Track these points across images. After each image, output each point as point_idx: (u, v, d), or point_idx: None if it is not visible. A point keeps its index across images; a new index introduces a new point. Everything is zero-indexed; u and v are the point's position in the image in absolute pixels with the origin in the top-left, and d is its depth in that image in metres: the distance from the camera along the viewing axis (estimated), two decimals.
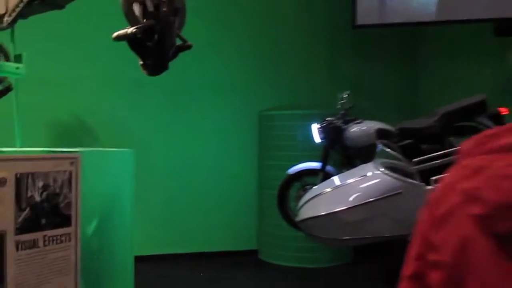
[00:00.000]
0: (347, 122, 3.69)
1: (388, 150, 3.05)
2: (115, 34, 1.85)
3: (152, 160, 3.93)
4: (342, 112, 3.72)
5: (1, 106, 3.41)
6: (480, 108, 3.33)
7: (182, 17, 1.99)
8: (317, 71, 4.39)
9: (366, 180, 2.95)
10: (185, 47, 2.12)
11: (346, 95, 3.74)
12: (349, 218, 2.84)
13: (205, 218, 4.06)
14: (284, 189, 3.65)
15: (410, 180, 2.87)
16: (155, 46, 1.87)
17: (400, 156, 3.32)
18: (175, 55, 2.00)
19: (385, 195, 2.81)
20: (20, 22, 2.18)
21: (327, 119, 3.67)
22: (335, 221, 2.87)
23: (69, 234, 1.65)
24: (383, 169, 2.93)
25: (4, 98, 3.28)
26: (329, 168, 3.68)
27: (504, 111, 3.32)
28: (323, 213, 2.90)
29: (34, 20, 3.60)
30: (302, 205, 3.10)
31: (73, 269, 1.67)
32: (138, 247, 3.82)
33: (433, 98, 4.39)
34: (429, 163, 3.19)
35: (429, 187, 2.84)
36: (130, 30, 1.74)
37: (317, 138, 3.69)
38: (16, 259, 1.50)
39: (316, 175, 3.64)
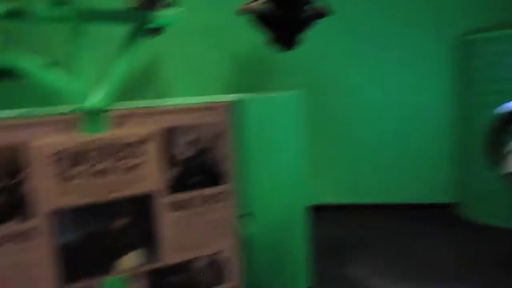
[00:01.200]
0: None
1: None
2: (242, 7, 1.64)
3: (329, 100, 3.60)
4: None
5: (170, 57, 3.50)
6: None
7: None
8: None
9: None
10: (319, 15, 1.82)
11: None
12: None
13: (393, 165, 3.60)
14: (496, 133, 2.95)
15: None
16: (284, 18, 1.63)
17: None
18: (307, 25, 1.72)
19: None
20: None
21: None
22: None
23: (225, 192, 1.47)
24: None
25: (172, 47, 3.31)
26: None
27: None
28: None
29: None
30: None
31: (232, 231, 1.50)
32: (321, 195, 3.67)
33: None
34: None
35: None
36: (259, 2, 1.51)
37: None
38: (167, 221, 1.38)
39: None
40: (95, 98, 1.40)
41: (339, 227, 3.34)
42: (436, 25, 3.44)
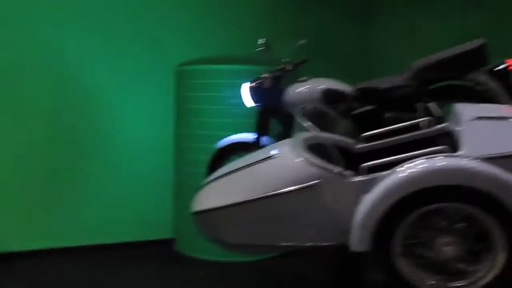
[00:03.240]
0: (288, 80, 2.85)
1: (307, 123, 2.18)
2: None
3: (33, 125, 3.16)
4: (283, 67, 2.86)
5: None
6: (476, 58, 2.38)
7: None
8: (251, 17, 3.44)
9: (272, 164, 2.09)
10: None
11: (300, 44, 2.88)
12: (241, 216, 2.04)
13: (103, 201, 3.24)
14: (212, 167, 2.87)
15: (332, 167, 1.99)
16: None
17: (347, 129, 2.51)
18: None
19: (294, 188, 1.97)
20: None
21: (262, 76, 2.83)
22: (224, 218, 2.09)
23: None
24: (299, 149, 2.06)
25: None
26: (265, 140, 2.88)
27: None
28: (209, 207, 2.13)
29: None
30: (199, 192, 2.32)
31: None
32: (9, 241, 2.99)
33: (389, 56, 3.55)
34: (390, 139, 2.29)
35: (359, 177, 1.95)
36: None
37: (248, 101, 2.88)
38: None
39: (249, 150, 2.83)
40: None
41: (36, 279, 2.82)
42: (154, 52, 3.31)
